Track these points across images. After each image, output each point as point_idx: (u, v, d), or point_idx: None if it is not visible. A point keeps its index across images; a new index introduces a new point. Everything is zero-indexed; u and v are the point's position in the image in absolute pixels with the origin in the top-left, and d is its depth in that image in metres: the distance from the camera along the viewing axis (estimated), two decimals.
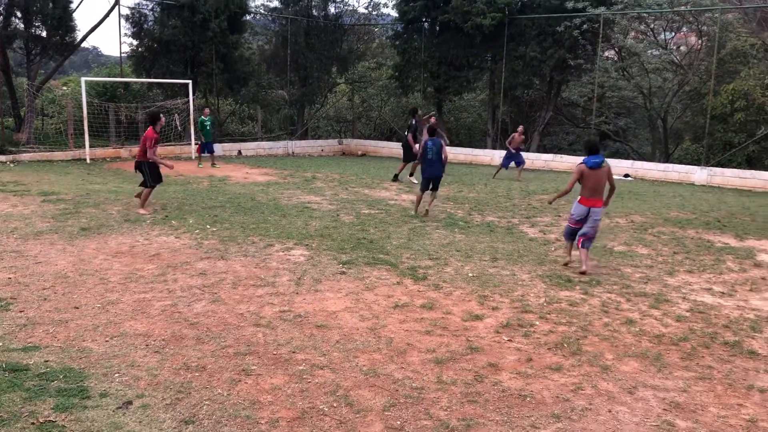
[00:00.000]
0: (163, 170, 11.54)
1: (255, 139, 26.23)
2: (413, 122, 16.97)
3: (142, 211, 10.98)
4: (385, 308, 6.47)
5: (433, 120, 15.06)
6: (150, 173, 11.25)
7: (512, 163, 18.55)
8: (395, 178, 16.96)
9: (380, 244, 9.22)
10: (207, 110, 18.34)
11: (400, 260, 8.36)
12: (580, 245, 8.30)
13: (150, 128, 11.23)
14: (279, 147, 24.92)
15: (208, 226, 10.02)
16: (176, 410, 4.27)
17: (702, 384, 4.99)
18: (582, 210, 8.29)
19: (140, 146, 11.37)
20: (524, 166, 18.89)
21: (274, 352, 5.27)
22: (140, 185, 11.42)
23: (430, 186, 11.66)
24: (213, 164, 18.58)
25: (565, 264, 8.52)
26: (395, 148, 26.42)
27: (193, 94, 21.50)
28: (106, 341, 5.38)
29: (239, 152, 23.33)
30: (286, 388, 4.65)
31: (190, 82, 20.98)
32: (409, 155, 16.61)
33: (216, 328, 5.76)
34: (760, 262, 9.18)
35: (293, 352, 5.28)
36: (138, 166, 11.38)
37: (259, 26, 28.35)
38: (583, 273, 8.05)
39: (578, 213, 8.32)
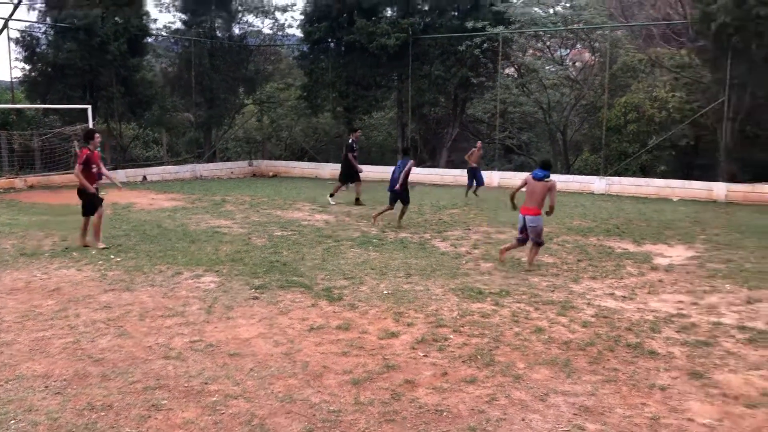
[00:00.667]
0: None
1: (161, 164, 25.51)
2: (351, 141, 16.68)
3: (100, 245, 10.16)
4: (300, 332, 6.39)
5: (357, 135, 16.78)
6: (88, 201, 10.21)
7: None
8: (331, 195, 16.64)
9: (294, 266, 9.13)
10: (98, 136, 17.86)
11: (315, 282, 8.30)
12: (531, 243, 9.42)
13: (84, 148, 10.28)
14: (186, 171, 24.31)
15: (112, 257, 9.62)
16: None
17: (608, 386, 5.20)
18: (520, 218, 9.38)
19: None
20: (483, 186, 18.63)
21: (186, 385, 5.10)
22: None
23: (396, 201, 12.94)
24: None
25: (501, 259, 9.62)
26: (307, 168, 26.37)
27: (93, 120, 20.68)
28: (0, 386, 5.04)
29: (144, 178, 22.60)
30: (199, 422, 4.50)
31: (89, 107, 20.19)
32: (348, 175, 16.39)
33: (123, 363, 5.51)
34: (656, 265, 9.69)
35: (205, 383, 5.13)
36: (80, 193, 10.32)
37: (161, 48, 27.69)
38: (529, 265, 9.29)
39: (519, 221, 9.43)
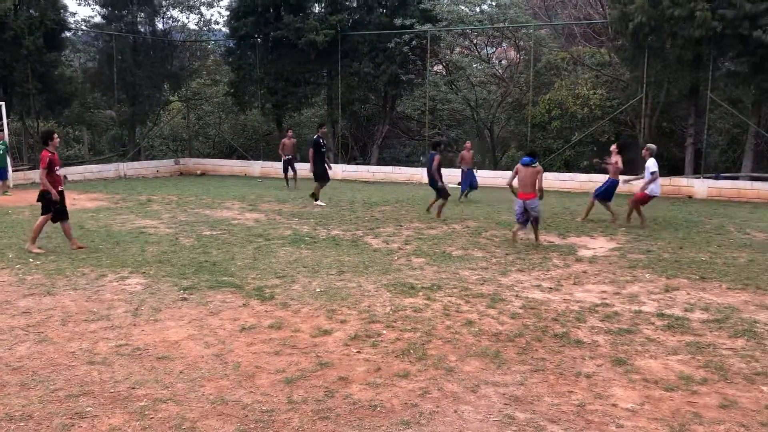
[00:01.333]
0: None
1: (82, 163, 24.60)
2: (316, 137, 16.05)
3: (35, 250, 9.67)
4: (231, 332, 6.29)
5: (323, 131, 16.63)
6: (47, 204, 9.82)
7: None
8: (315, 199, 15.80)
9: (224, 266, 8.97)
10: (2, 134, 17.37)
11: (246, 281, 8.18)
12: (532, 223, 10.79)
13: (44, 150, 9.81)
14: (109, 170, 23.51)
15: (31, 260, 9.21)
16: None
17: (537, 376, 5.34)
18: (519, 203, 10.67)
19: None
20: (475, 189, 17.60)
21: (112, 390, 4.93)
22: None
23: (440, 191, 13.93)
24: (4, 192, 17.49)
25: (513, 239, 10.84)
26: (236, 166, 25.95)
27: (8, 117, 19.72)
28: None
29: (64, 177, 21.58)
30: (127, 428, 4.36)
31: (2, 104, 19.22)
32: (318, 174, 15.70)
33: (44, 371, 5.28)
34: (580, 257, 10.02)
35: (133, 388, 4.97)
36: (40, 197, 9.92)
37: (81, 43, 26.68)
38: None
39: (518, 206, 10.72)
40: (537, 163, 10.81)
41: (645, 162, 12.69)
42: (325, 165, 15.92)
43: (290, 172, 19.98)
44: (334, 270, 8.85)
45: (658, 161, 12.79)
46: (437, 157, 13.77)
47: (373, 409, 4.68)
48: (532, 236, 11.13)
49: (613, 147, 13.75)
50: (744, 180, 19.16)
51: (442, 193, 13.89)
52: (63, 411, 4.59)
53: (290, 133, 20.95)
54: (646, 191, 12.63)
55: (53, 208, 9.93)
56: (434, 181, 13.87)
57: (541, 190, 10.66)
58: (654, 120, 21.77)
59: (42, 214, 9.96)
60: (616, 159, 13.37)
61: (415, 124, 29.86)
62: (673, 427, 4.46)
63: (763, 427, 4.49)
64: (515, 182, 11.04)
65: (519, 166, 10.84)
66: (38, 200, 10.04)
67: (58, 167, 9.95)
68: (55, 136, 10.20)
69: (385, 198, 17.36)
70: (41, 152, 9.98)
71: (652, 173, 12.48)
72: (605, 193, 13.54)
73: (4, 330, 6.25)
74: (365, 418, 4.54)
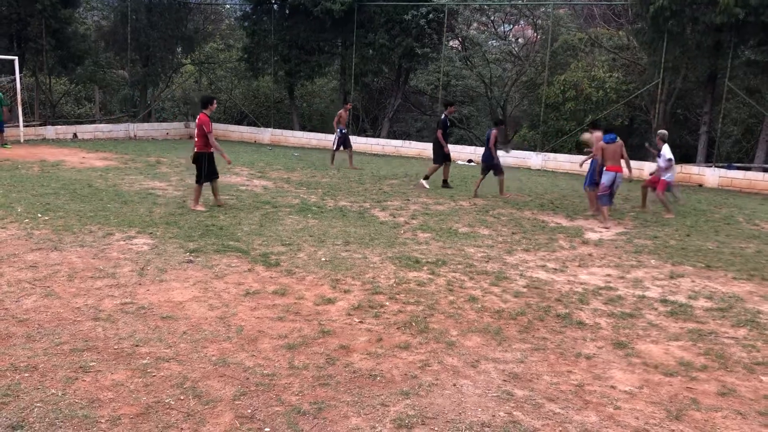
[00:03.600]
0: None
1: (93, 122, 24.59)
2: (443, 117, 14.83)
3: (199, 207, 10.39)
4: (235, 296, 6.33)
5: (452, 110, 15.35)
6: (208, 167, 10.54)
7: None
8: (426, 178, 14.53)
9: (230, 231, 9.00)
10: None
11: (252, 247, 8.21)
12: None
13: (202, 113, 10.41)
14: (120, 130, 23.49)
15: (39, 215, 9.26)
16: (1, 416, 3.92)
17: (537, 354, 5.36)
18: (610, 175, 11.30)
19: (198, 134, 10.41)
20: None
21: (115, 347, 4.99)
22: (196, 181, 10.56)
23: (487, 170, 13.87)
24: (3, 144, 17.73)
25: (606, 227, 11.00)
26: (246, 132, 25.89)
27: (20, 72, 19.69)
28: None
29: (74, 135, 21.73)
30: (129, 384, 4.42)
31: (16, 58, 19.18)
32: (441, 155, 14.48)
33: (49, 324, 5.34)
34: (587, 239, 10.00)
35: (136, 346, 5.03)
36: (197, 158, 10.50)
37: (95, 0, 26.49)
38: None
39: (607, 180, 11.33)
40: (618, 139, 11.53)
41: (659, 149, 12.54)
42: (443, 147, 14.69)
43: (341, 148, 17.66)
44: (340, 240, 8.87)
45: (671, 148, 12.69)
46: (494, 133, 13.74)
47: (372, 379, 4.72)
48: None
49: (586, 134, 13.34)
50: (756, 171, 18.97)
51: (497, 169, 13.85)
52: (67, 364, 4.65)
53: (349, 105, 18.90)
54: (664, 178, 12.52)
55: (206, 168, 10.52)
56: (491, 157, 13.67)
57: (628, 162, 11.69)
58: (669, 106, 21.53)
59: (197, 177, 10.53)
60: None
61: (427, 99, 29.63)
62: (670, 412, 4.49)
63: (761, 415, 4.51)
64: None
65: (602, 143, 11.46)
66: (193, 162, 10.62)
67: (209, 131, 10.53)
68: (215, 101, 10.93)
69: (393, 172, 17.32)
70: (199, 116, 10.43)
71: (669, 160, 12.37)
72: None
73: (11, 282, 6.32)
74: (365, 387, 4.58)
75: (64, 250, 7.56)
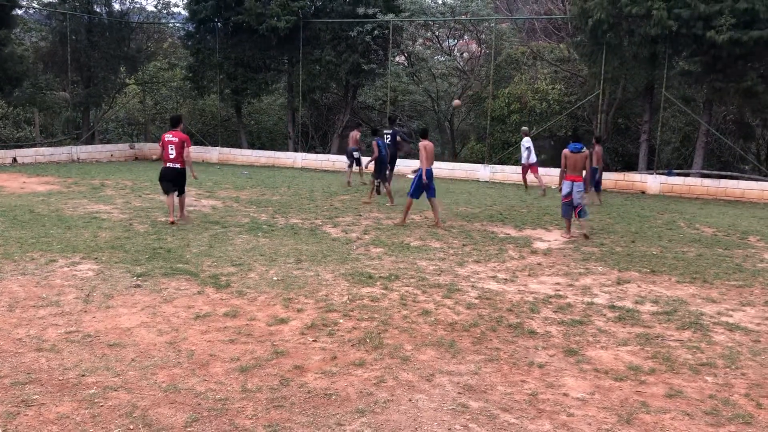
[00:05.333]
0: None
1: (33, 145, 23.88)
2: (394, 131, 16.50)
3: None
4: (185, 320, 6.21)
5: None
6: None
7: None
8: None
9: (179, 253, 8.83)
10: None
11: (201, 268, 8.08)
12: (577, 216, 11.31)
13: (178, 131, 11.25)
14: (62, 153, 22.87)
15: None
16: None
17: (491, 365, 5.41)
18: (567, 184, 11.20)
19: (177, 151, 11.07)
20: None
21: (60, 378, 4.82)
22: (178, 194, 11.24)
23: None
24: None
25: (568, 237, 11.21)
26: (194, 152, 25.28)
27: None
28: None
29: (14, 160, 21.06)
30: (75, 416, 4.28)
31: None
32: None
33: None
34: (535, 249, 10.17)
35: (82, 376, 4.87)
36: (181, 175, 11.20)
37: (33, 21, 25.81)
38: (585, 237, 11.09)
39: (565, 188, 11.24)
40: (584, 149, 11.42)
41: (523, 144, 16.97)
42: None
43: (355, 167, 18.49)
44: (292, 259, 8.80)
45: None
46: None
47: (328, 398, 4.68)
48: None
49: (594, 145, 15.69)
50: (694, 177, 19.68)
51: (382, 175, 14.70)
52: (9, 399, 4.47)
53: (358, 127, 20.23)
54: (532, 161, 17.37)
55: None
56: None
57: (587, 171, 11.59)
58: (610, 116, 22.18)
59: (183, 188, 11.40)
60: (598, 149, 15.72)
61: (376, 114, 29.79)
62: (621, 416, 4.58)
63: (707, 415, 4.64)
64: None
65: (567, 152, 11.27)
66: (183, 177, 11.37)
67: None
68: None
69: (344, 187, 17.31)
70: (178, 134, 11.24)
71: (527, 148, 17.27)
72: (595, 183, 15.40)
73: None
74: (320, 407, 4.54)
75: (4, 279, 7.29)
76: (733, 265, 9.44)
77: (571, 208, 11.28)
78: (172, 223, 10.88)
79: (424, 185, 11.63)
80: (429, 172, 11.62)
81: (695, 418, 4.60)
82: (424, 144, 11.74)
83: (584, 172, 11.39)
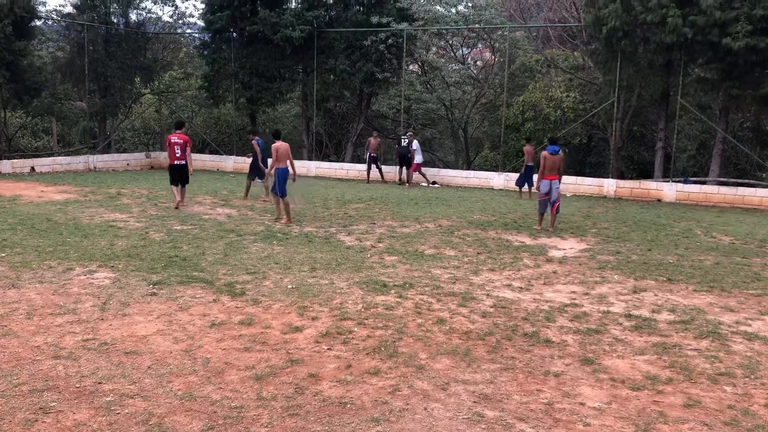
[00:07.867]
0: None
1: (51, 155, 24.13)
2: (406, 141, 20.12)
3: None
4: (201, 328, 6.23)
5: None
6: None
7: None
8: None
9: (194, 261, 8.88)
10: None
11: (216, 277, 8.11)
12: (554, 211, 12.45)
13: (182, 133, 13.82)
14: (79, 162, 23.10)
15: None
16: None
17: (506, 374, 5.38)
18: (546, 183, 12.30)
19: (182, 150, 13.55)
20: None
21: (77, 385, 4.86)
22: (182, 185, 13.83)
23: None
24: None
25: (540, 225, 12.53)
26: (209, 161, 25.68)
27: None
28: None
29: (32, 169, 21.30)
30: (92, 423, 4.30)
31: None
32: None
33: (7, 365, 5.18)
34: (551, 257, 10.12)
35: (99, 383, 4.90)
36: (185, 169, 13.74)
37: (51, 32, 26.14)
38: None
39: (544, 186, 12.33)
40: (560, 152, 12.52)
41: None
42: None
43: (374, 171, 21.51)
44: (307, 267, 8.82)
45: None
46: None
47: (343, 406, 4.68)
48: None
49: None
50: (711, 185, 19.50)
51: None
52: (26, 406, 4.51)
53: (375, 133, 22.60)
54: (417, 161, 20.42)
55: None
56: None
57: (561, 172, 12.60)
58: (625, 124, 22.04)
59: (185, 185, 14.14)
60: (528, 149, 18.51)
61: (390, 122, 29.84)
62: (638, 426, 4.53)
63: (726, 426, 4.59)
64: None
65: (546, 153, 12.33)
66: (185, 174, 13.91)
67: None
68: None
69: (358, 196, 17.34)
70: (182, 136, 13.82)
71: (414, 149, 20.36)
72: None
73: None
74: (335, 415, 4.53)
75: (22, 287, 7.36)
76: (751, 274, 9.33)
77: (548, 205, 12.45)
78: (176, 207, 13.51)
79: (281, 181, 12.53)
80: (280, 171, 12.48)
81: (714, 429, 4.54)
82: (276, 146, 12.52)
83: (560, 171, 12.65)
